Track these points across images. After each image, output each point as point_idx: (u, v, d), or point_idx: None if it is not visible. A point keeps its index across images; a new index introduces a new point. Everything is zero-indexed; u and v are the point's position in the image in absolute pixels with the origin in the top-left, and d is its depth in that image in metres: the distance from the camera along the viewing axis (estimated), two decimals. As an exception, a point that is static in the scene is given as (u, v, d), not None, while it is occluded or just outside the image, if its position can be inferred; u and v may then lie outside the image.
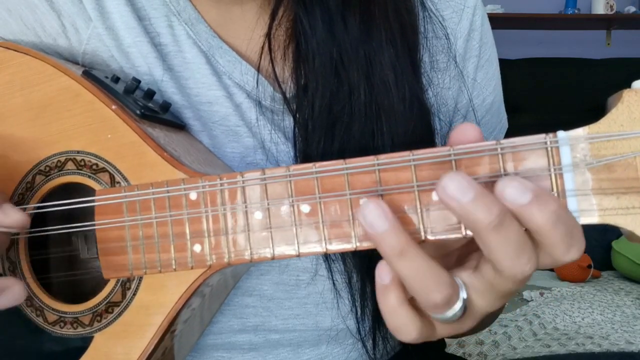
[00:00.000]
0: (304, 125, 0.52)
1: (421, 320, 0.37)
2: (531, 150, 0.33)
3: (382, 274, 0.36)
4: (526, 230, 0.33)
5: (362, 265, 0.54)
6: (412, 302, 0.36)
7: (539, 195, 0.31)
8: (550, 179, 0.33)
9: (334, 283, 0.55)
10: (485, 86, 0.61)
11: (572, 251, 0.33)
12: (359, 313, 0.56)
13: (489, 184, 0.34)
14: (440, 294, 0.34)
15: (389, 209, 0.33)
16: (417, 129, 0.53)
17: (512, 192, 0.31)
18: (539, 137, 0.33)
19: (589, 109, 3.01)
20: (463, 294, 0.35)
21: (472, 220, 0.32)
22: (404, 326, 0.36)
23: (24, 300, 0.47)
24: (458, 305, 0.35)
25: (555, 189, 0.33)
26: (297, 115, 0.53)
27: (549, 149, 0.33)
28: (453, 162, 0.35)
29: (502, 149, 0.34)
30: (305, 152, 0.52)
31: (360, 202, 0.35)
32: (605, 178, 0.32)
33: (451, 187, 0.32)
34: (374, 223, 0.33)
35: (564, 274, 2.01)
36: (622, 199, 0.32)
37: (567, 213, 0.33)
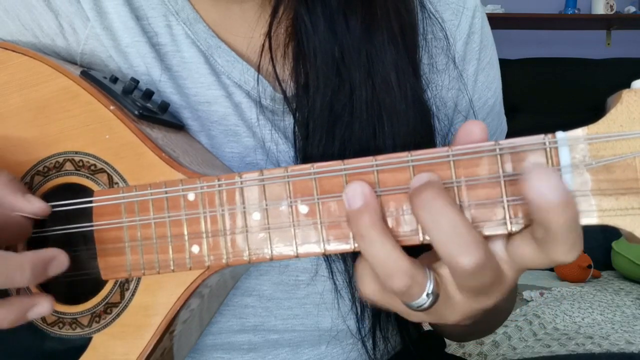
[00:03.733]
0: (304, 124, 0.52)
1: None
2: (530, 151, 0.33)
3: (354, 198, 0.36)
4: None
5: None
6: None
7: (569, 198, 0.31)
8: (549, 179, 0.33)
9: (334, 283, 0.55)
10: (487, 88, 0.61)
11: (573, 253, 0.33)
12: (359, 313, 0.56)
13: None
14: (399, 281, 0.34)
15: (370, 191, 0.35)
16: (418, 128, 0.53)
17: (545, 189, 0.31)
18: (538, 138, 0.33)
19: (589, 109, 3.01)
20: (429, 287, 0.35)
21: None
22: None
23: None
24: (422, 296, 0.35)
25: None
26: (297, 114, 0.53)
27: (548, 149, 0.33)
28: (451, 163, 0.34)
29: (500, 149, 0.34)
30: (306, 151, 0.52)
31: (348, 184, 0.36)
32: (604, 179, 0.32)
33: None
34: (350, 200, 0.35)
35: (564, 274, 2.01)
36: (621, 200, 0.32)
37: (579, 217, 0.33)
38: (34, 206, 0.44)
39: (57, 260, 0.42)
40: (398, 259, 0.34)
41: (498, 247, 0.35)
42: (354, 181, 0.35)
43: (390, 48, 0.51)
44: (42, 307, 0.42)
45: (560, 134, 0.33)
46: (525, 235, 0.34)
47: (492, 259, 0.34)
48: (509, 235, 0.35)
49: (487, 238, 0.35)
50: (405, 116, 0.51)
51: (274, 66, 0.52)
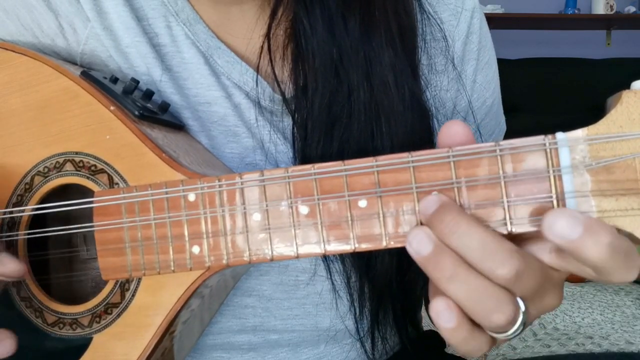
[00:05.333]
0: (303, 126, 0.52)
1: (489, 338, 0.36)
2: (530, 152, 0.33)
3: (445, 315, 0.34)
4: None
5: (360, 265, 0.54)
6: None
7: (591, 228, 0.30)
8: (549, 180, 0.33)
9: (332, 283, 0.55)
10: (485, 89, 0.61)
11: (631, 273, 0.32)
12: (357, 313, 0.56)
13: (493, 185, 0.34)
14: (503, 315, 0.33)
15: (431, 233, 0.34)
16: (417, 129, 0.53)
17: (561, 226, 0.30)
18: (538, 139, 0.33)
19: (589, 109, 3.01)
20: (522, 307, 0.34)
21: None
22: (476, 349, 0.36)
23: (22, 303, 0.47)
24: (519, 321, 0.34)
25: (554, 191, 0.33)
26: (296, 116, 0.53)
27: (548, 150, 0.33)
28: (452, 164, 0.34)
29: (500, 150, 0.34)
30: (304, 152, 0.52)
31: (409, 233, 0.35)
32: (604, 180, 0.32)
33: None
34: (418, 249, 0.34)
35: (564, 274, 2.01)
36: (621, 201, 0.32)
37: (620, 240, 0.31)
38: (5, 268, 0.42)
39: (2, 345, 0.41)
40: (496, 290, 0.33)
41: (545, 256, 0.35)
42: (412, 229, 0.35)
43: (388, 49, 0.51)
44: (3, 346, 0.41)
45: (560, 135, 0.33)
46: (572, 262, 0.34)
47: (532, 262, 0.34)
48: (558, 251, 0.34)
49: (529, 241, 0.35)
50: (403, 117, 0.51)
51: (272, 67, 0.52)
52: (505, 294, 0.33)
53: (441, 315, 0.34)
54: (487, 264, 0.32)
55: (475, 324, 0.35)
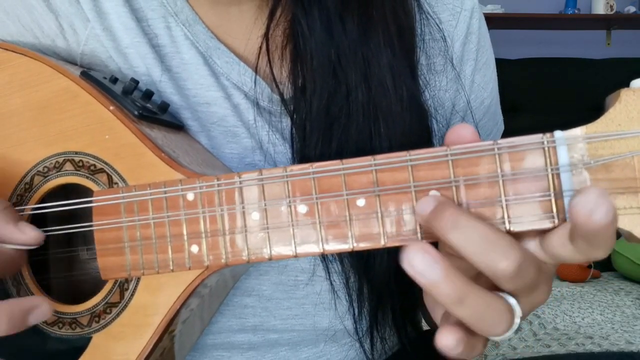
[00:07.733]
0: (301, 126, 0.52)
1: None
2: (528, 150, 0.33)
3: (449, 344, 0.36)
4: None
5: (359, 265, 0.54)
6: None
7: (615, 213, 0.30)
8: (548, 179, 0.33)
9: (331, 283, 0.55)
10: (483, 89, 0.61)
11: (608, 251, 0.32)
12: (356, 313, 0.56)
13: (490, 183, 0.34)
14: (504, 324, 0.34)
15: (437, 254, 0.32)
16: (415, 129, 0.53)
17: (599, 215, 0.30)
18: (536, 137, 0.33)
19: (589, 109, 3.01)
20: (519, 311, 0.35)
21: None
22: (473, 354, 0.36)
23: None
24: (517, 323, 0.35)
25: (552, 189, 0.33)
26: (295, 116, 0.53)
27: (546, 148, 0.33)
28: (450, 163, 0.34)
29: (499, 149, 0.34)
30: (303, 152, 0.52)
31: (406, 249, 0.32)
32: (602, 178, 0.32)
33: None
34: (425, 272, 0.31)
35: (564, 274, 2.01)
36: (619, 199, 0.32)
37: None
38: (26, 236, 0.42)
39: (39, 309, 0.40)
40: (499, 304, 0.33)
41: (532, 246, 0.35)
42: (413, 249, 0.32)
43: (386, 50, 0.51)
44: (41, 310, 0.40)
45: (558, 133, 0.33)
46: (562, 239, 0.33)
47: (529, 254, 0.34)
48: (544, 233, 0.34)
49: (519, 237, 0.34)
50: (401, 118, 0.51)
51: (271, 68, 0.52)
52: (504, 304, 0.34)
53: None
54: (489, 257, 0.32)
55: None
